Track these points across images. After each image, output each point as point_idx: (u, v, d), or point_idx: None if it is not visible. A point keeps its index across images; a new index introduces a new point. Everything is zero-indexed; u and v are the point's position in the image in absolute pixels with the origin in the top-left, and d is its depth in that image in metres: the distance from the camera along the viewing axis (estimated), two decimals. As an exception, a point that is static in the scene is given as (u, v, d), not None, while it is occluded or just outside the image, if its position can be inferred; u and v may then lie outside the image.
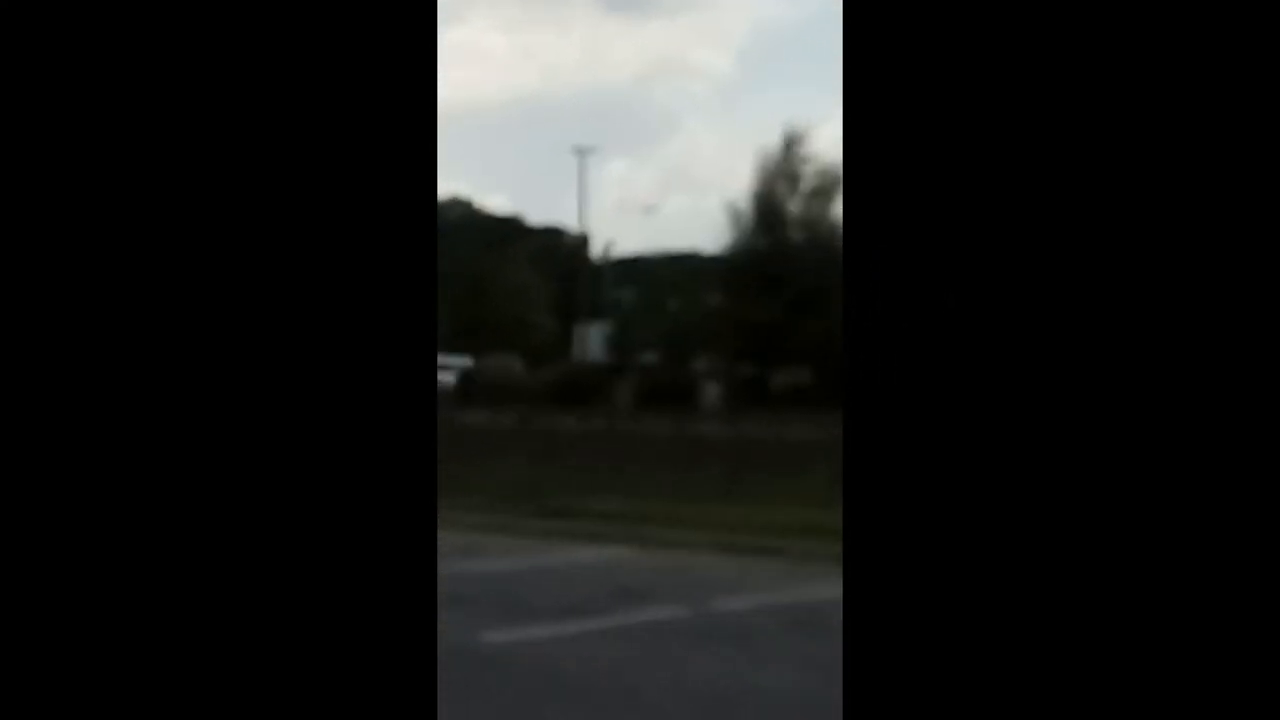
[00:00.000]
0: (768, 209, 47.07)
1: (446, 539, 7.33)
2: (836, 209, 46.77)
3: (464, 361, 49.67)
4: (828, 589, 11.17)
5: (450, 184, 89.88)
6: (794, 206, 47.32)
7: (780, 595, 11.46)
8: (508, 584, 12.01)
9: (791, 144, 47.23)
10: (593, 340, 59.38)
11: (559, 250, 78.45)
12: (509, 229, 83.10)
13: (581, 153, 62.46)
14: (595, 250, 75.60)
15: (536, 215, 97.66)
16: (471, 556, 12.52)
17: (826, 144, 48.49)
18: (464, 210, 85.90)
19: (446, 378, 40.52)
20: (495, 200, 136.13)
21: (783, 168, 47.34)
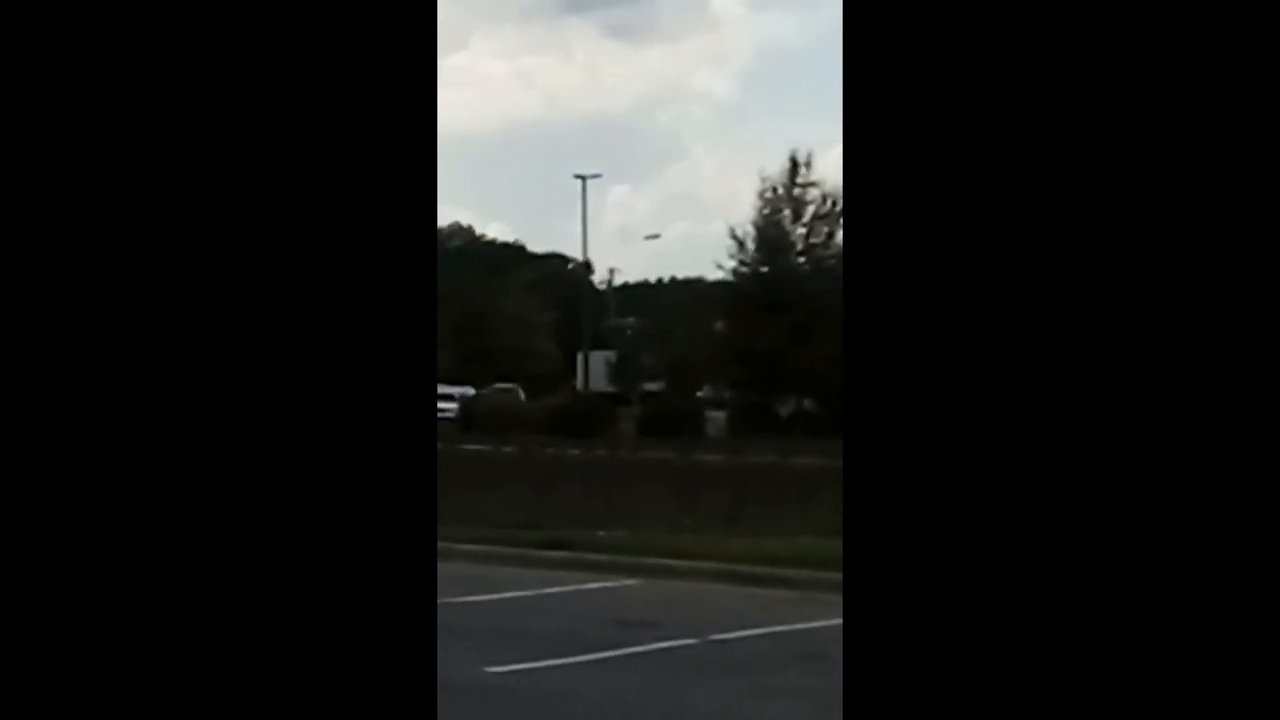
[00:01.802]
0: (771, 235, 47.10)
1: (447, 570, 7.31)
2: (841, 234, 46.78)
3: (465, 391, 49.72)
4: (832, 618, 11.14)
5: (450, 211, 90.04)
6: (798, 232, 47.36)
7: (784, 625, 11.41)
8: (510, 615, 11.98)
9: (795, 169, 47.29)
10: (596, 368, 59.43)
11: (561, 278, 78.64)
12: (510, 256, 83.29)
13: (583, 179, 62.50)
14: (598, 277, 75.83)
15: (538, 242, 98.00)
16: (473, 588, 12.47)
17: (831, 168, 48.52)
18: (465, 238, 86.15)
19: (447, 407, 40.53)
20: (496, 227, 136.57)
21: (786, 193, 47.37)
